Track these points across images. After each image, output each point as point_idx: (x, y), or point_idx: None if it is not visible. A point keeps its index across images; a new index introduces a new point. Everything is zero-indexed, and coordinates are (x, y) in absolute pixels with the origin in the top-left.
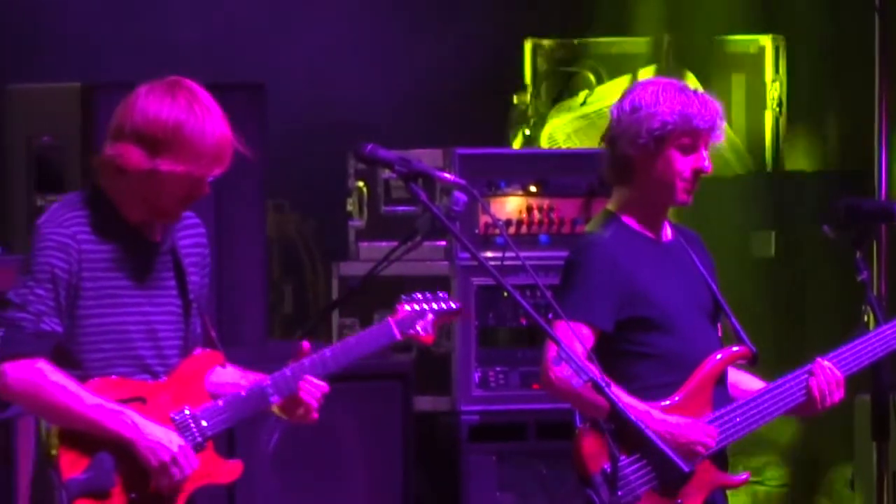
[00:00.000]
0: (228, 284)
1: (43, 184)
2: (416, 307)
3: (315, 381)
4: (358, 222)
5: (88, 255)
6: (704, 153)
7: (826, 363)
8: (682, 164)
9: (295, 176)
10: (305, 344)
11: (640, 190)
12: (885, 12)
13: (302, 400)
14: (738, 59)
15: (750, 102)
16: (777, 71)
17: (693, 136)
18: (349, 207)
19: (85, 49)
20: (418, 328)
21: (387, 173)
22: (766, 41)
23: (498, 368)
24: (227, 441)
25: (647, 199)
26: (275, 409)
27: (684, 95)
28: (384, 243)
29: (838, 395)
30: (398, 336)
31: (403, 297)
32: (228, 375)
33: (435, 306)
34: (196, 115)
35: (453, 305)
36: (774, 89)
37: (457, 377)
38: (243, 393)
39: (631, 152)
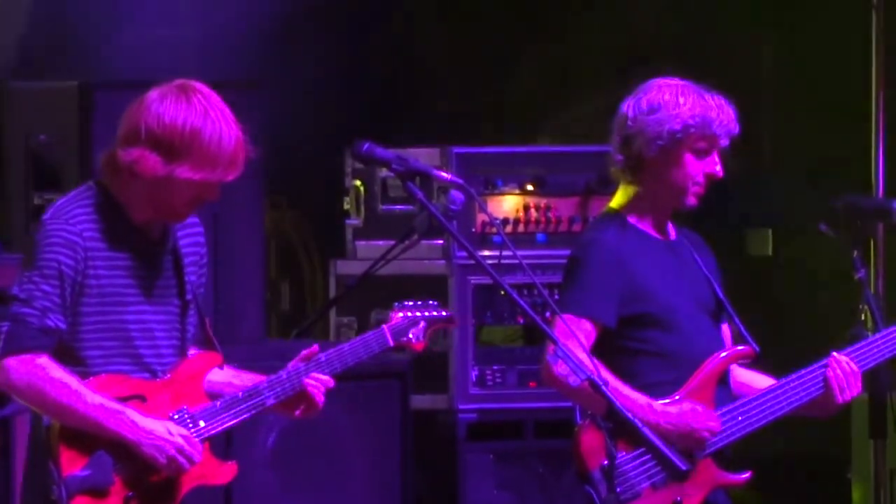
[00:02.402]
0: (226, 282)
1: (40, 182)
2: (410, 314)
3: (319, 376)
4: (355, 221)
5: (94, 254)
6: (717, 158)
7: (842, 357)
8: (696, 169)
9: (292, 174)
10: (315, 347)
11: (648, 190)
12: (882, 9)
13: (308, 394)
14: None
15: None
16: None
17: (709, 140)
18: (346, 206)
19: (83, 48)
20: (410, 335)
21: (384, 172)
22: None
23: (495, 367)
24: (225, 440)
25: (655, 200)
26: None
27: (703, 99)
28: (381, 242)
29: (856, 388)
30: (391, 343)
31: (396, 304)
32: (225, 376)
33: (427, 314)
34: (212, 120)
35: (444, 313)
36: None
37: (454, 376)
38: (240, 394)
39: (646, 153)
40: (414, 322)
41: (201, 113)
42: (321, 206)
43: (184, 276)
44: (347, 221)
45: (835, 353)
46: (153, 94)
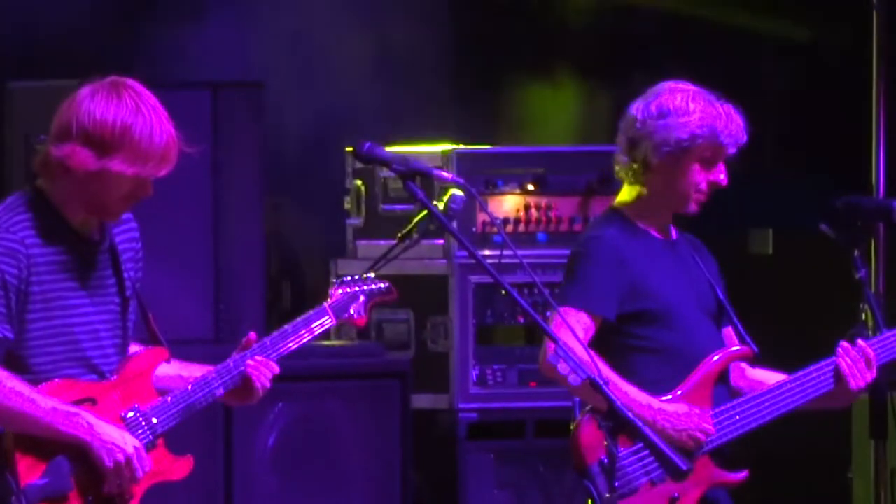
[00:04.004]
0: (227, 281)
1: None
2: (349, 290)
3: (265, 360)
4: (356, 221)
5: (36, 260)
6: (722, 167)
7: (849, 344)
8: (700, 177)
9: (293, 173)
10: (252, 335)
11: (652, 193)
12: (883, 11)
13: (250, 379)
14: None
15: None
16: None
17: (716, 150)
18: (347, 206)
19: (84, 47)
20: (352, 311)
21: (385, 172)
22: None
23: (496, 366)
24: (225, 441)
25: (657, 202)
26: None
27: (713, 108)
28: (382, 242)
29: (870, 374)
30: (334, 321)
31: (335, 281)
32: (173, 370)
33: (366, 288)
34: (144, 116)
35: (382, 286)
36: None
37: (455, 375)
38: (190, 387)
39: (652, 157)
40: (353, 297)
41: (132, 109)
42: (322, 205)
43: (122, 273)
44: (348, 221)
45: (843, 342)
46: (84, 90)
